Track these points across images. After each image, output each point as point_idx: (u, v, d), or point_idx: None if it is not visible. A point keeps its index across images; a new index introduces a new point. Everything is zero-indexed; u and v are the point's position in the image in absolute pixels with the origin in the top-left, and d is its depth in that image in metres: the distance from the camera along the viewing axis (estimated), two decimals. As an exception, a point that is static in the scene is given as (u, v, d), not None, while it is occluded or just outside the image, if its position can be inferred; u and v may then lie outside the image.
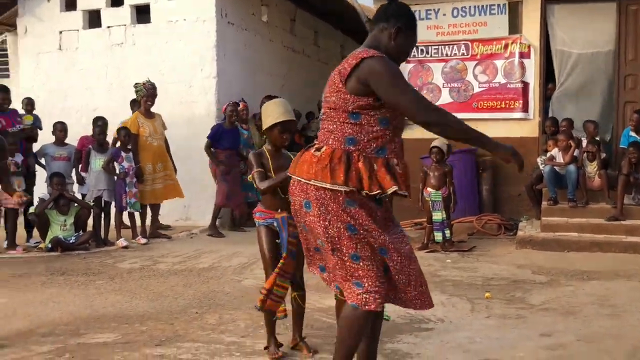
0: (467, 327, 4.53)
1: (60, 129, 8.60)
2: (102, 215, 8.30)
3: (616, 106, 9.26)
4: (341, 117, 2.89)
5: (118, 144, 8.57)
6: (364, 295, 2.85)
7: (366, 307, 2.84)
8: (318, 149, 2.93)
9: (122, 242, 8.11)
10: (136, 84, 8.73)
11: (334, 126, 2.91)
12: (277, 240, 3.91)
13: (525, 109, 9.28)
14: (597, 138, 8.88)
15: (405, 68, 9.71)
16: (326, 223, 2.87)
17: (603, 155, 8.70)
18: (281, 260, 3.77)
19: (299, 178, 2.95)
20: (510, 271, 6.47)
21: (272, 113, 3.89)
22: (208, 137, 9.15)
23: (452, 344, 4.13)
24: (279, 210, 3.89)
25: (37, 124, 8.75)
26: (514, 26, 9.34)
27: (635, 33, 9.08)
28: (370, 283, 2.85)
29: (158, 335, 4.42)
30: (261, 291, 3.79)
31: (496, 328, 4.53)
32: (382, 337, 3.88)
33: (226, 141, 9.23)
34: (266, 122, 3.91)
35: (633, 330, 4.40)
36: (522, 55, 9.24)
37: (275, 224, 3.89)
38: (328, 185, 2.83)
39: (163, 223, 9.34)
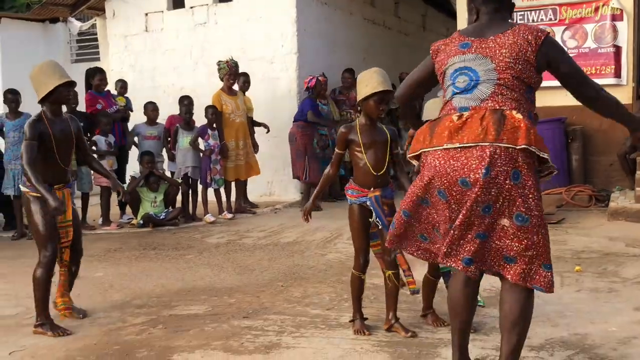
0: (557, 301, 4.41)
1: (152, 109, 8.88)
2: (190, 191, 8.56)
3: None
4: (522, 88, 2.81)
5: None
6: (552, 278, 2.78)
7: (552, 290, 2.77)
8: (504, 114, 2.70)
9: (209, 217, 8.34)
10: (219, 62, 8.87)
11: (518, 95, 2.79)
12: (369, 219, 3.83)
13: (617, 74, 8.83)
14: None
15: (489, 36, 9.44)
16: (537, 194, 2.71)
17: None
18: (383, 240, 3.70)
19: (506, 145, 2.63)
20: (601, 244, 6.23)
21: (370, 82, 3.73)
22: (309, 110, 9.20)
23: (541, 318, 4.04)
24: (372, 189, 3.79)
25: (129, 105, 9.10)
26: (606, -16, 8.87)
27: None
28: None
29: (245, 307, 4.55)
30: (405, 274, 3.77)
31: (587, 302, 4.39)
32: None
33: (319, 117, 9.31)
34: (362, 92, 3.76)
35: None
36: (614, 18, 8.77)
37: (368, 202, 3.80)
38: (545, 155, 2.69)
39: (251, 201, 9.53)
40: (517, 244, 2.74)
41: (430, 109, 3.96)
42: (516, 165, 2.64)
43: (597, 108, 2.97)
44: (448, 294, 3.00)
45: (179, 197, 8.57)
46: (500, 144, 2.62)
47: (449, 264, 2.85)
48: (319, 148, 9.58)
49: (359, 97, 3.79)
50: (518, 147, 2.63)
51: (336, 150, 3.90)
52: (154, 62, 10.99)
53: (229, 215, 8.60)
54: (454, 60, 2.90)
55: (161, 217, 8.17)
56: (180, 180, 8.43)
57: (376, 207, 3.77)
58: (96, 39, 12.45)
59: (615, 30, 8.77)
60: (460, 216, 2.72)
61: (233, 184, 8.98)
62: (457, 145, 2.69)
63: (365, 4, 12.54)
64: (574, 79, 2.91)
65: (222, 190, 8.75)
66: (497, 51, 2.79)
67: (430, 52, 3.05)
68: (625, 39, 8.80)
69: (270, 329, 4.04)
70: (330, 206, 9.39)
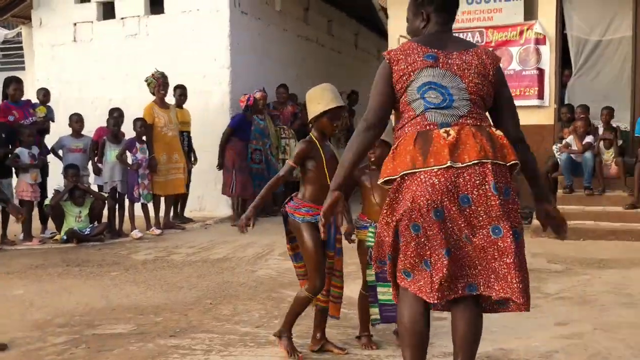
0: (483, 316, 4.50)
1: (76, 121, 8.63)
2: (117, 206, 8.35)
3: (633, 93, 9.14)
4: (485, 109, 2.80)
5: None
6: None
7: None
8: (489, 131, 2.67)
9: (136, 233, 8.15)
10: (146, 78, 8.76)
11: (485, 115, 2.77)
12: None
13: (540, 96, 9.19)
14: (615, 125, 8.79)
15: (419, 56, 9.65)
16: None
17: (620, 142, 8.61)
18: (329, 260, 3.69)
19: (502, 162, 2.62)
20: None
21: (322, 99, 3.64)
22: (231, 126, 9.22)
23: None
24: None
25: (50, 115, 8.75)
26: (530, 12, 9.23)
27: (653, 19, 8.95)
28: None
29: (172, 326, 4.45)
30: (319, 297, 3.73)
31: (511, 317, 4.47)
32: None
33: (245, 132, 9.31)
34: (315, 110, 3.66)
35: (650, 319, 4.36)
36: (538, 42, 9.14)
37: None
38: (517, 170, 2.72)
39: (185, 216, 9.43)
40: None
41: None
42: (507, 181, 2.64)
43: (520, 148, 2.81)
44: (405, 316, 2.76)
45: (106, 212, 8.34)
46: (497, 161, 2.61)
47: (444, 299, 2.66)
48: (253, 162, 9.58)
49: (311, 114, 3.69)
50: (509, 164, 2.64)
51: (290, 163, 3.72)
52: (82, 73, 10.71)
53: (157, 231, 8.43)
54: (421, 74, 2.73)
55: (86, 233, 7.92)
56: (106, 195, 8.21)
57: (331, 225, 3.62)
58: (22, 48, 12.05)
59: (538, 53, 9.13)
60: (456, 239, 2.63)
61: (162, 198, 8.82)
62: (461, 164, 2.58)
63: (299, 21, 12.63)
64: (512, 106, 2.89)
65: (150, 205, 8.57)
66: (466, 71, 2.74)
67: (387, 59, 2.80)
68: (547, 62, 9.17)
69: (198, 348, 3.96)
70: (261, 221, 9.33)
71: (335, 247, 3.72)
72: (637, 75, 9.08)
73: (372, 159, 3.80)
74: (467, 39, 2.91)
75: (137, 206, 8.39)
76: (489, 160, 2.58)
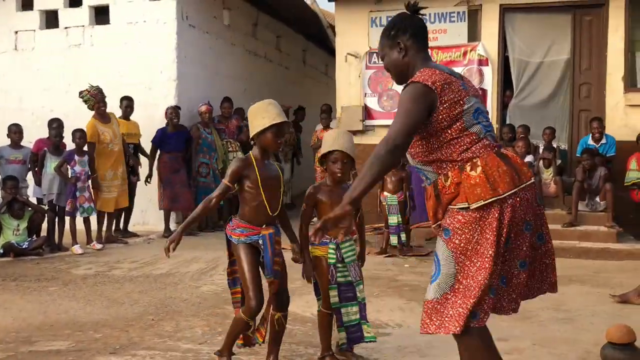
0: (425, 332, 4.55)
1: (14, 131, 8.38)
2: (57, 219, 8.12)
3: (571, 114, 9.47)
4: None
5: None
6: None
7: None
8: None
9: (76, 249, 7.93)
10: (80, 93, 8.58)
11: None
12: (260, 259, 3.58)
13: (483, 116, 9.40)
14: (554, 145, 9.07)
15: (366, 74, 9.78)
16: None
17: (558, 161, 8.89)
18: (271, 285, 3.60)
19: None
20: (467, 276, 6.52)
21: (266, 114, 3.52)
22: (152, 141, 9.31)
23: (410, 349, 4.16)
24: (264, 226, 3.57)
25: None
26: (473, 34, 9.48)
27: (590, 43, 9.31)
28: None
29: (112, 342, 4.35)
30: (258, 325, 3.66)
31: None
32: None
33: (170, 144, 9.31)
34: (258, 125, 3.52)
35: (586, 334, 4.48)
36: (481, 63, 9.38)
37: (260, 241, 3.55)
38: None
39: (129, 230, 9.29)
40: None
41: (328, 140, 3.85)
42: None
43: None
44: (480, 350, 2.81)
45: (45, 225, 8.11)
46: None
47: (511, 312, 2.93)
48: (200, 176, 9.54)
49: (254, 129, 3.55)
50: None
51: (225, 182, 3.55)
52: (23, 83, 10.43)
53: (98, 246, 8.22)
54: (470, 101, 2.81)
55: (24, 246, 7.68)
56: (46, 207, 7.98)
57: (268, 246, 3.55)
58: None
59: (481, 74, 9.37)
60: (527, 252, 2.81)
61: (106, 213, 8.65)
62: (529, 181, 2.78)
63: (247, 36, 12.63)
64: None
65: (93, 219, 8.38)
66: (482, 100, 2.98)
67: (435, 89, 2.74)
68: (490, 82, 9.42)
69: (139, 365, 3.89)
70: (206, 236, 9.26)
71: (273, 272, 3.58)
72: (574, 96, 9.41)
73: (339, 175, 3.79)
74: None
75: (80, 220, 8.18)
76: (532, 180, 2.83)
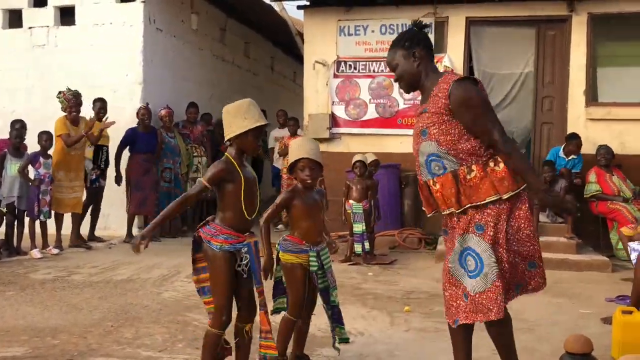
0: (387, 340, 4.57)
1: (-27, 132, 8.22)
2: (16, 222, 7.95)
3: (533, 126, 9.62)
4: None
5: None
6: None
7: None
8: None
9: (35, 253, 7.77)
10: (58, 94, 8.48)
11: None
12: (237, 268, 3.40)
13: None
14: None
15: (334, 83, 9.82)
16: None
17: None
18: (261, 297, 3.38)
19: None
20: (429, 285, 6.57)
21: (248, 115, 3.31)
22: (121, 142, 9.22)
23: (371, 357, 4.16)
24: (248, 234, 3.41)
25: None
26: (440, 45, 9.57)
27: (553, 57, 9.48)
28: None
29: (70, 349, 4.27)
30: (265, 337, 3.42)
31: (414, 341, 4.60)
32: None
33: (141, 145, 9.21)
34: (239, 127, 3.31)
35: (544, 343, 4.55)
36: (446, 74, 9.46)
37: (245, 249, 3.37)
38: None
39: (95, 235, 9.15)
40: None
41: (294, 149, 3.85)
42: None
43: None
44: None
45: (3, 229, 7.93)
46: None
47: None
48: (163, 180, 9.48)
49: (234, 132, 3.33)
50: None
51: (204, 182, 3.31)
52: (-17, 83, 10.22)
53: (55, 251, 8.06)
54: None
55: (-19, 250, 7.50)
56: (4, 210, 7.81)
57: (254, 255, 3.39)
58: None
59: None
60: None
61: (67, 216, 8.49)
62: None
63: (215, 41, 12.57)
64: None
65: (51, 222, 8.22)
66: None
67: (482, 88, 3.30)
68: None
69: (97, 372, 3.82)
70: (168, 243, 9.17)
71: (260, 281, 3.41)
72: (537, 109, 9.57)
73: (309, 182, 3.78)
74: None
75: (37, 223, 8.02)
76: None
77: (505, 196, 3.06)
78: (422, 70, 3.29)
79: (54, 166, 8.20)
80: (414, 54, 3.28)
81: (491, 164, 3.10)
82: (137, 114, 9.37)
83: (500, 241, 3.09)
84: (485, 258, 3.08)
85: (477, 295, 3.10)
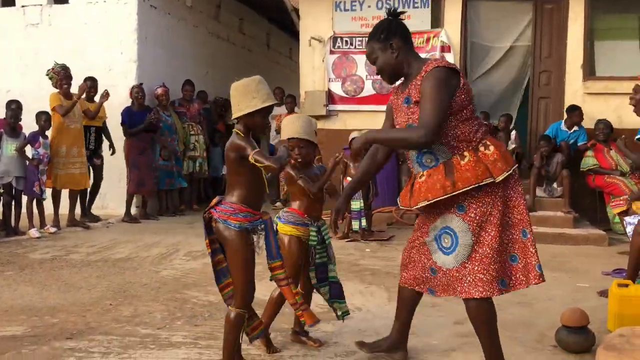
0: (384, 315, 4.59)
1: (-32, 112, 8.17)
2: (13, 202, 7.94)
3: (530, 101, 9.59)
4: None
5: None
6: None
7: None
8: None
9: (33, 232, 7.78)
10: (47, 72, 8.43)
11: None
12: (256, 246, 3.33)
13: (445, 102, 9.46)
14: (513, 131, 9.19)
15: (330, 59, 9.75)
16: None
17: (513, 146, 9.01)
18: (279, 271, 3.36)
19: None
20: (427, 261, 6.59)
21: (258, 95, 3.18)
22: (122, 123, 9.18)
23: (369, 332, 4.19)
24: (262, 211, 3.32)
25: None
26: (437, 20, 9.51)
27: (550, 31, 9.42)
28: None
29: (69, 328, 4.28)
30: (299, 309, 3.43)
31: (412, 317, 4.61)
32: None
33: (137, 123, 9.24)
34: (248, 106, 3.17)
35: (541, 317, 4.57)
36: (443, 50, 9.41)
37: (261, 226, 3.29)
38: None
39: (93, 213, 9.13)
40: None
41: (284, 127, 3.84)
42: None
43: None
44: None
45: (0, 209, 7.92)
46: None
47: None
48: (162, 159, 9.46)
49: (242, 110, 3.18)
50: None
51: (255, 153, 3.13)
52: (-22, 62, 10.15)
53: (52, 229, 8.06)
54: (472, 89, 3.25)
55: (-22, 230, 7.51)
56: (1, 190, 7.80)
57: (269, 232, 3.32)
58: None
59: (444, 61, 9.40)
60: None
61: (66, 195, 8.48)
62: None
63: (210, 18, 12.47)
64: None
65: (48, 202, 8.22)
66: None
67: (460, 75, 3.15)
68: (452, 69, 9.46)
69: (96, 351, 3.83)
70: (167, 221, 9.18)
71: (277, 255, 3.37)
72: (534, 84, 9.53)
73: (299, 160, 3.77)
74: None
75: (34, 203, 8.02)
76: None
77: (499, 178, 3.06)
78: (403, 60, 3.23)
79: (54, 142, 8.18)
80: (391, 45, 3.21)
81: (481, 149, 3.11)
82: (131, 93, 9.33)
83: (484, 224, 3.10)
84: (460, 237, 3.12)
85: (449, 272, 3.19)
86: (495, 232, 3.09)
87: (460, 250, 3.13)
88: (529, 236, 3.19)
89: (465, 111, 3.12)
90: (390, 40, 3.21)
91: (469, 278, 3.11)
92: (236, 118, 3.25)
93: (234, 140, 3.21)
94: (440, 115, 3.01)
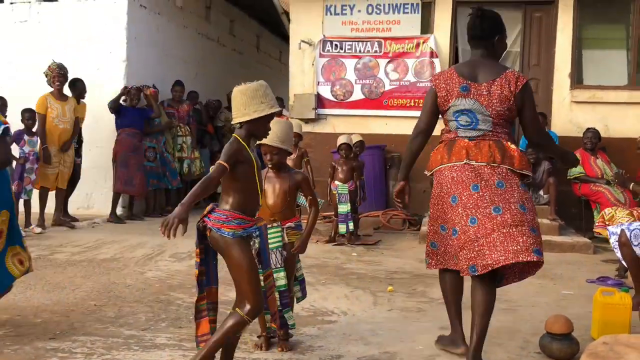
0: (370, 319, 4.60)
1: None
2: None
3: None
4: (508, 124, 3.65)
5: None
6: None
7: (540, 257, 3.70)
8: (503, 144, 3.58)
9: (18, 231, 7.71)
10: (46, 70, 8.40)
11: (507, 130, 3.64)
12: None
13: (434, 107, 9.49)
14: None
15: (319, 63, 9.76)
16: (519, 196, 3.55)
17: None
18: (270, 279, 3.36)
19: (507, 167, 3.53)
20: (412, 265, 6.61)
21: (265, 100, 3.13)
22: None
23: (354, 336, 4.18)
24: (255, 217, 3.24)
25: None
26: (426, 26, 9.54)
27: (539, 39, 9.48)
28: None
29: (52, 328, 4.25)
30: (272, 324, 3.63)
31: (397, 321, 4.62)
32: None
33: (127, 119, 9.17)
34: (255, 111, 3.12)
35: (525, 324, 4.59)
36: (432, 55, 9.45)
37: (256, 233, 3.21)
38: (529, 173, 3.64)
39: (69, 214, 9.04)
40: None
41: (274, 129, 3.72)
42: (506, 178, 3.54)
43: (536, 150, 4.00)
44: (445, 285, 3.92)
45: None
46: (504, 166, 3.54)
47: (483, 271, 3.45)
48: (146, 160, 9.42)
49: (249, 113, 3.12)
50: (516, 170, 3.56)
51: (222, 163, 3.04)
52: (-37, 59, 10.07)
53: (37, 230, 8.00)
54: (456, 103, 3.60)
55: (-38, 228, 7.42)
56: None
57: (265, 238, 3.29)
58: None
59: (433, 66, 9.44)
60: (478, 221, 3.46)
61: (52, 194, 8.42)
62: (475, 162, 3.53)
63: (200, 19, 12.45)
64: (533, 121, 3.67)
65: (34, 201, 8.16)
66: (491, 101, 3.55)
67: (433, 84, 3.71)
68: (441, 75, 9.48)
69: (79, 351, 3.80)
70: (153, 221, 9.14)
71: (270, 264, 3.40)
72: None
73: (270, 165, 3.79)
74: (497, 64, 3.77)
75: (20, 202, 7.94)
76: (496, 164, 3.52)
77: (428, 174, 3.81)
78: None
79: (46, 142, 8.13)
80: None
81: (438, 146, 3.77)
82: (129, 93, 9.31)
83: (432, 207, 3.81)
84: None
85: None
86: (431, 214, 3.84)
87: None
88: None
89: (444, 115, 3.76)
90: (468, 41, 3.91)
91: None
92: (241, 123, 3.17)
93: (225, 146, 3.17)
94: (422, 117, 3.85)
